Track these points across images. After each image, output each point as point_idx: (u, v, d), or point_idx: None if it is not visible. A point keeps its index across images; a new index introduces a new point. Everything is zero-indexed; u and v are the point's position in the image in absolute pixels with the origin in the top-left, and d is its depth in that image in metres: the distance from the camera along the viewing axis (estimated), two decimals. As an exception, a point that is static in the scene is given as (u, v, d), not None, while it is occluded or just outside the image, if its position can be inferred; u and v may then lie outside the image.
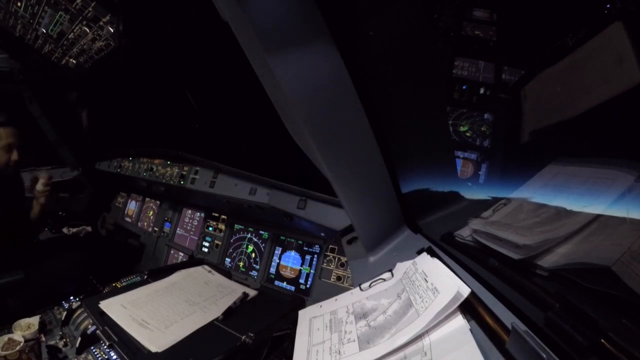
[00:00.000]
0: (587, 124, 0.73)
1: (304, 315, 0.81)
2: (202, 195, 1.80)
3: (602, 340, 0.38)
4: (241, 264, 1.74)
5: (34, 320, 1.21)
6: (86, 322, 1.20)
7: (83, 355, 1.06)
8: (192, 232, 2.03)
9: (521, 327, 0.45)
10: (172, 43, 1.87)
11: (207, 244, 1.90)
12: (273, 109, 0.93)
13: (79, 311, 1.28)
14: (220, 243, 1.85)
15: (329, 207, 1.24)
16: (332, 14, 0.67)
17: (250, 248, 1.73)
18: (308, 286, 1.49)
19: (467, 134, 2.08)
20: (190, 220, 2.07)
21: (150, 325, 1.06)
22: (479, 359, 0.46)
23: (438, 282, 0.62)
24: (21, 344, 1.05)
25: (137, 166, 2.23)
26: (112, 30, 1.73)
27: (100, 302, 1.15)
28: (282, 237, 1.64)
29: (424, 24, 0.88)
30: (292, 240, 1.61)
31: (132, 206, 2.53)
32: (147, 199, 2.43)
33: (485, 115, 2.24)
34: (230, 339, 1.00)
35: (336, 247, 1.45)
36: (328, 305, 0.82)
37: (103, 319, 1.07)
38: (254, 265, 1.69)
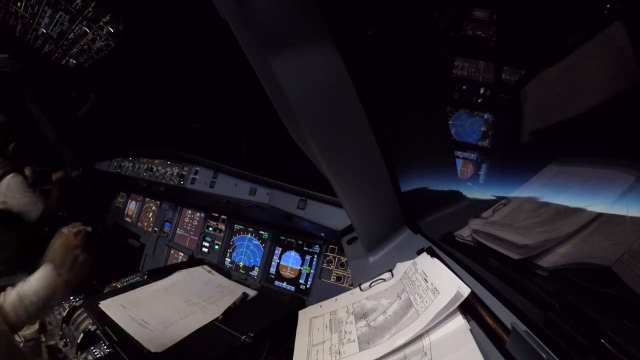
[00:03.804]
0: (587, 124, 0.73)
1: (304, 315, 0.81)
2: (202, 195, 1.80)
3: (602, 340, 0.38)
4: (241, 264, 1.74)
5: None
6: (86, 322, 1.20)
7: (83, 355, 1.06)
8: (192, 232, 2.03)
9: (521, 327, 0.45)
10: (171, 42, 1.87)
11: (207, 244, 1.90)
12: (273, 109, 0.93)
13: (79, 311, 1.28)
14: (220, 243, 1.85)
15: (329, 207, 1.24)
16: (331, 13, 0.67)
17: (250, 248, 1.74)
18: (308, 286, 1.49)
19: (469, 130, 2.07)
20: (190, 220, 2.07)
21: (150, 325, 1.05)
22: (479, 359, 0.46)
23: (438, 282, 0.62)
24: (21, 344, 1.05)
25: (137, 166, 2.23)
26: (112, 30, 1.74)
27: (100, 302, 1.15)
28: (282, 237, 1.64)
29: (424, 24, 0.88)
30: (292, 240, 1.61)
31: (132, 206, 2.53)
32: (147, 199, 2.43)
33: (485, 115, 2.25)
34: (230, 339, 1.00)
35: (336, 247, 1.45)
36: (328, 305, 0.82)
37: (103, 319, 1.07)
38: (254, 265, 1.69)
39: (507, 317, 0.51)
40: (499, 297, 0.56)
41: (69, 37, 1.94)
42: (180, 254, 2.01)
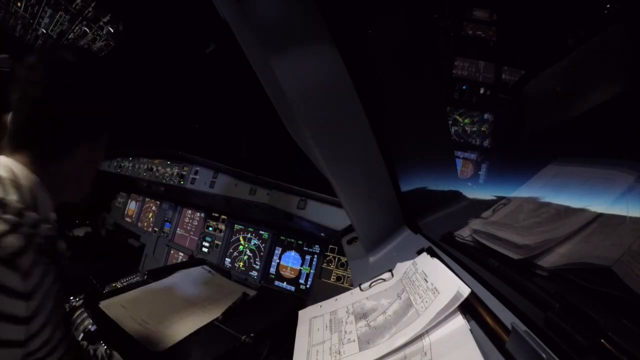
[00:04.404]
0: (587, 124, 0.73)
1: (304, 315, 0.81)
2: (202, 195, 1.80)
3: (602, 340, 0.38)
4: (241, 264, 1.74)
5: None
6: (86, 322, 1.20)
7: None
8: (192, 232, 2.03)
9: (521, 327, 0.45)
10: (171, 42, 1.87)
11: (207, 244, 1.90)
12: (273, 109, 0.93)
13: (78, 311, 1.28)
14: (220, 243, 1.85)
15: (329, 207, 1.24)
16: (331, 13, 0.67)
17: (251, 248, 1.74)
18: (308, 286, 1.49)
19: (469, 130, 2.07)
20: (190, 220, 2.07)
21: (150, 325, 1.05)
22: (479, 359, 0.46)
23: (438, 282, 0.62)
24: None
25: (137, 166, 2.23)
26: (112, 30, 1.74)
27: (100, 302, 1.15)
28: (282, 237, 1.64)
29: (424, 24, 0.88)
30: (292, 240, 1.61)
31: (132, 206, 2.53)
32: (147, 199, 2.43)
33: (485, 115, 2.25)
34: (230, 339, 1.00)
35: (336, 247, 1.45)
36: (328, 305, 0.82)
37: (103, 319, 1.07)
38: (254, 265, 1.69)
39: (507, 317, 0.51)
40: (499, 297, 0.56)
41: (69, 37, 1.94)
42: (180, 254, 2.01)
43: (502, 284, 0.57)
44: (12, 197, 0.60)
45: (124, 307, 1.14)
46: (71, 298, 1.37)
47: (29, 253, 0.55)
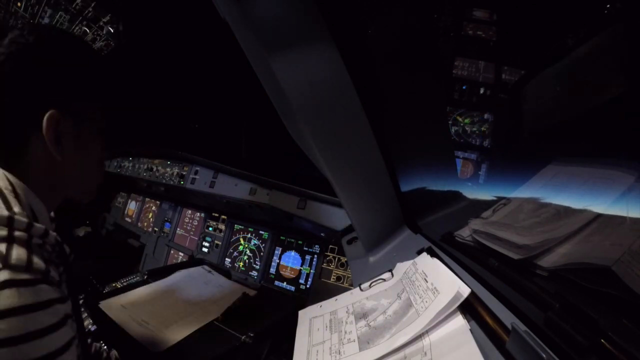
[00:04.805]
0: (587, 124, 0.73)
1: (304, 315, 0.81)
2: (202, 195, 1.80)
3: (602, 340, 0.38)
4: (241, 264, 1.74)
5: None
6: (86, 322, 1.20)
7: (83, 355, 1.06)
8: (192, 232, 2.03)
9: (521, 327, 0.45)
10: (171, 42, 1.87)
11: (207, 244, 1.90)
12: (273, 109, 0.93)
13: (78, 311, 1.28)
14: (220, 243, 1.85)
15: (329, 207, 1.24)
16: (331, 13, 0.67)
17: (251, 248, 1.74)
18: (308, 286, 1.49)
19: (469, 130, 2.07)
20: (190, 220, 2.07)
21: (150, 325, 1.05)
22: (479, 359, 0.46)
23: (438, 282, 0.62)
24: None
25: (137, 166, 2.23)
26: (112, 30, 1.74)
27: (100, 302, 1.15)
28: (282, 237, 1.64)
29: (424, 23, 0.88)
30: (292, 240, 1.61)
31: (132, 206, 2.53)
32: (147, 199, 2.43)
33: (485, 115, 2.25)
34: (230, 339, 1.00)
35: (336, 247, 1.45)
36: (328, 305, 0.82)
37: (103, 319, 1.07)
38: (254, 265, 1.69)
39: (507, 317, 0.51)
40: (499, 297, 0.56)
41: (69, 37, 1.94)
42: (180, 254, 2.01)
43: (502, 284, 0.57)
44: (16, 209, 0.58)
45: (124, 307, 1.14)
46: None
47: (47, 263, 0.57)
